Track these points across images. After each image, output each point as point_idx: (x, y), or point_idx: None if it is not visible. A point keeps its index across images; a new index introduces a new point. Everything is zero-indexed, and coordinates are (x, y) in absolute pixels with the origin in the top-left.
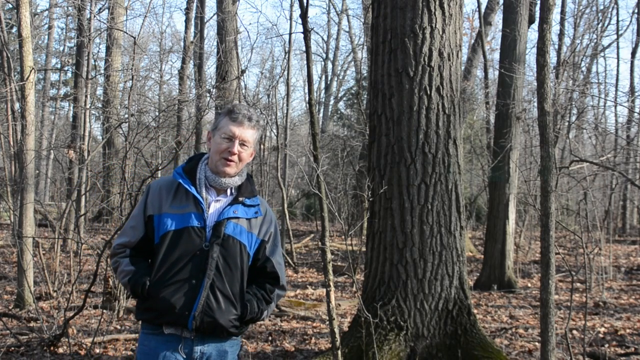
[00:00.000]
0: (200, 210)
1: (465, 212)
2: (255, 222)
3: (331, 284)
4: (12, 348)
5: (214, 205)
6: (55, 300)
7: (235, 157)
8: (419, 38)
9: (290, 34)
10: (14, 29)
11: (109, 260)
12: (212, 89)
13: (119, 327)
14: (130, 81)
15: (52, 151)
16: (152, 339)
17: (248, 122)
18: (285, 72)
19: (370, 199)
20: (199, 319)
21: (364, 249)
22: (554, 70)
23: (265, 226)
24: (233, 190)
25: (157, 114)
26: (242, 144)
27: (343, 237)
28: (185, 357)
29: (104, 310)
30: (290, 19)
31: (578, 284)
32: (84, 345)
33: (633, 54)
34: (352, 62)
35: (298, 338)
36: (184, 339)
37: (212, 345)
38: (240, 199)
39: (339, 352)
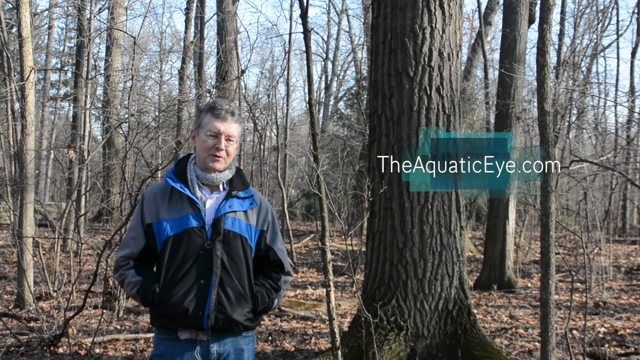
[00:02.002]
0: (196, 210)
1: (465, 212)
2: (251, 214)
3: (331, 284)
4: (12, 348)
5: (210, 203)
6: (55, 300)
7: (223, 153)
8: (419, 38)
9: (290, 34)
10: (14, 29)
11: (113, 273)
12: (212, 89)
13: (119, 327)
14: (130, 81)
15: (52, 151)
16: (167, 344)
17: (231, 117)
18: (285, 72)
19: (370, 199)
20: (213, 317)
21: (364, 249)
22: (554, 70)
23: (262, 216)
24: (225, 185)
25: (157, 114)
26: (228, 139)
27: (343, 237)
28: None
29: (104, 310)
30: (290, 19)
31: (578, 284)
32: (84, 345)
33: (633, 54)
34: (352, 62)
35: (298, 338)
36: (199, 342)
37: (228, 343)
38: (234, 192)
39: (339, 352)
